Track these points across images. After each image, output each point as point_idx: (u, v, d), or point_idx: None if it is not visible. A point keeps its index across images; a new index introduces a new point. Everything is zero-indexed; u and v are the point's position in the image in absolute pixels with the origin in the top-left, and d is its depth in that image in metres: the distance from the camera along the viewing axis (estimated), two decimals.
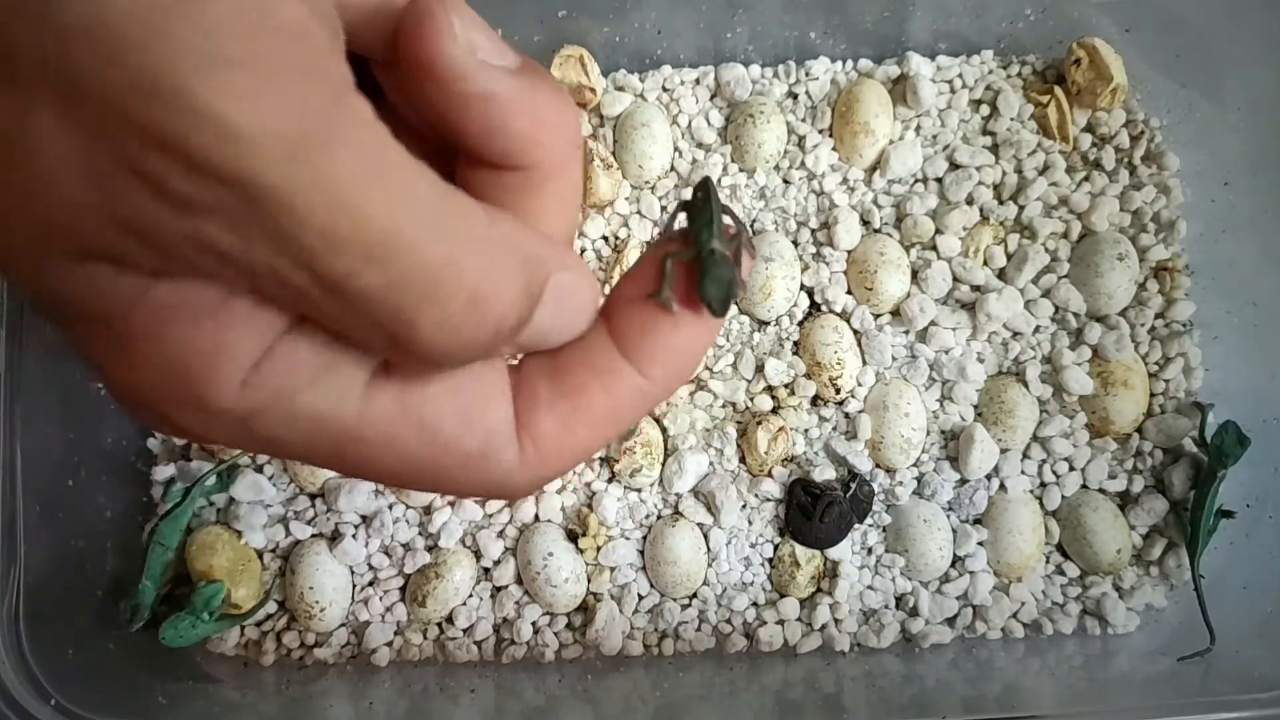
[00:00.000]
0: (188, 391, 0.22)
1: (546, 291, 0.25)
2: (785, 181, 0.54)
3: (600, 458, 0.52)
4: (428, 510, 0.52)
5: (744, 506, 0.52)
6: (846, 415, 0.52)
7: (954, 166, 0.54)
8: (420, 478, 0.25)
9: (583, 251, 0.54)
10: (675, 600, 0.52)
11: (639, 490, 0.52)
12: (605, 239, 0.54)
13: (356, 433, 0.24)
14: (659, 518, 0.52)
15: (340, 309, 0.21)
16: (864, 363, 0.52)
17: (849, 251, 0.53)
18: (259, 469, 0.52)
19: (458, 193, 0.22)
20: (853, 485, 0.51)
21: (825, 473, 0.51)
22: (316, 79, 0.19)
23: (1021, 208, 0.53)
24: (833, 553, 0.51)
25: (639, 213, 0.53)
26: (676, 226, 0.30)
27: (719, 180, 0.54)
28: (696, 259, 0.29)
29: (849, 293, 0.53)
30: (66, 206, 0.19)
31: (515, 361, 0.27)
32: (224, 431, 0.23)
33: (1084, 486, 0.53)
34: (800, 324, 0.53)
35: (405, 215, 0.20)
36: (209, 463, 0.52)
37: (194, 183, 0.18)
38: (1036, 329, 0.52)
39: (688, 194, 0.37)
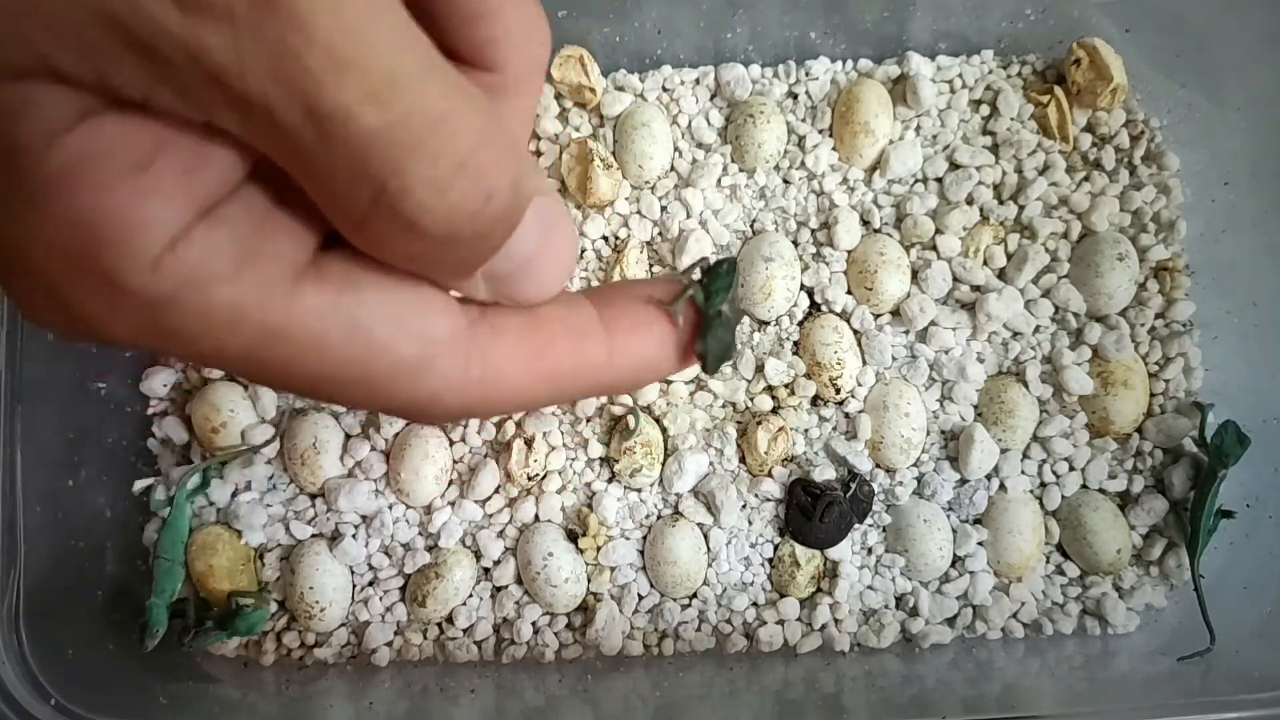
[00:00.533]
0: (95, 263, 0.20)
1: (531, 208, 0.24)
2: (785, 181, 0.54)
3: (600, 458, 0.52)
4: (428, 510, 0.52)
5: (744, 506, 0.52)
6: (846, 415, 0.52)
7: (954, 166, 0.54)
8: (341, 387, 0.24)
9: (582, 252, 0.54)
10: (675, 600, 0.52)
11: (639, 490, 0.52)
12: (605, 239, 0.54)
13: (279, 330, 0.22)
14: (659, 518, 0.52)
15: (327, 154, 0.19)
16: (864, 363, 0.52)
17: (849, 251, 0.53)
18: (249, 463, 0.52)
19: (459, 71, 0.22)
20: (853, 485, 0.51)
21: (825, 473, 0.51)
22: None
23: (1021, 208, 0.53)
24: (833, 553, 0.51)
25: (639, 213, 0.53)
26: (695, 275, 0.31)
27: (718, 180, 0.54)
28: (703, 314, 0.30)
29: (849, 293, 0.53)
30: None
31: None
32: (128, 323, 0.21)
33: (1084, 486, 0.53)
34: (800, 324, 0.53)
35: (412, 59, 0.20)
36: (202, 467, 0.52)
37: None
38: (1036, 329, 0.52)
39: (712, 257, 0.38)
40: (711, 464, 0.52)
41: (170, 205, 0.20)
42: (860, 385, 0.52)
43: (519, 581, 0.52)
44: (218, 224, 0.21)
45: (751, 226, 0.54)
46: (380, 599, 0.52)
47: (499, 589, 0.52)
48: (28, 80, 0.19)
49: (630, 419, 0.51)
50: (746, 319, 0.53)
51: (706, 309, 0.30)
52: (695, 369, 0.52)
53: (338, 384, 0.24)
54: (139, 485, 0.52)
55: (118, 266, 0.20)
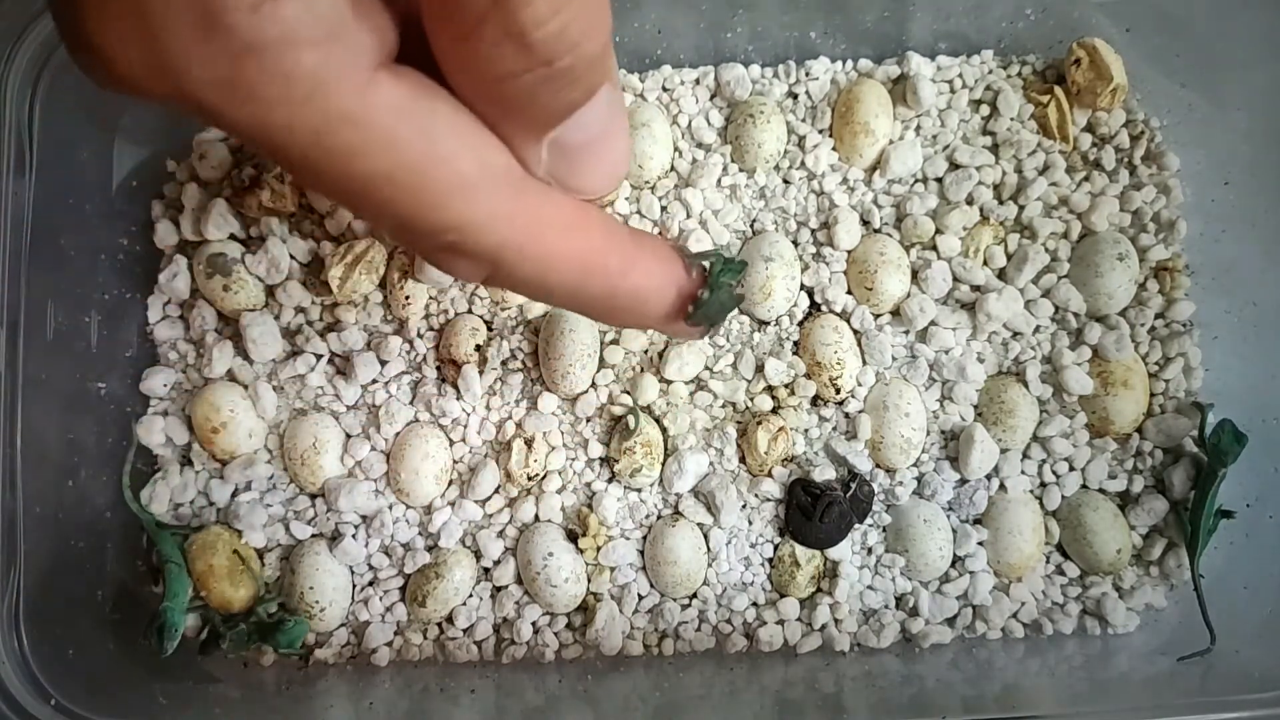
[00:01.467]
0: None
1: (607, 89, 0.25)
2: (785, 181, 0.54)
3: (600, 458, 0.52)
4: (428, 510, 0.52)
5: (744, 506, 0.52)
6: (846, 415, 0.52)
7: (954, 166, 0.54)
8: (397, 189, 0.24)
9: None
10: (675, 600, 0.52)
11: (639, 490, 0.52)
12: None
13: (352, 115, 0.22)
14: (659, 518, 0.52)
15: None
16: (864, 363, 0.52)
17: (849, 251, 0.53)
18: (185, 464, 0.52)
19: None
20: (853, 485, 0.51)
21: (825, 473, 0.51)
22: None
23: (1021, 208, 0.53)
24: (833, 553, 0.51)
25: (639, 213, 0.53)
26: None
27: (718, 181, 0.54)
28: (710, 278, 0.34)
29: (849, 293, 0.53)
30: None
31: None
32: (209, 67, 0.21)
33: (1084, 486, 0.53)
34: (800, 324, 0.53)
35: None
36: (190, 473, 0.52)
37: None
38: (1036, 329, 0.52)
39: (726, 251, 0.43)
40: (711, 464, 0.52)
41: None
42: (860, 385, 0.52)
43: (519, 581, 0.52)
44: None
45: (751, 226, 0.54)
46: (380, 599, 0.52)
47: (499, 589, 0.52)
48: None
49: (630, 419, 0.51)
50: (747, 319, 0.53)
51: (714, 277, 0.34)
52: (695, 370, 0.52)
53: (395, 185, 0.24)
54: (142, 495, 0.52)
55: (222, 1, 0.20)
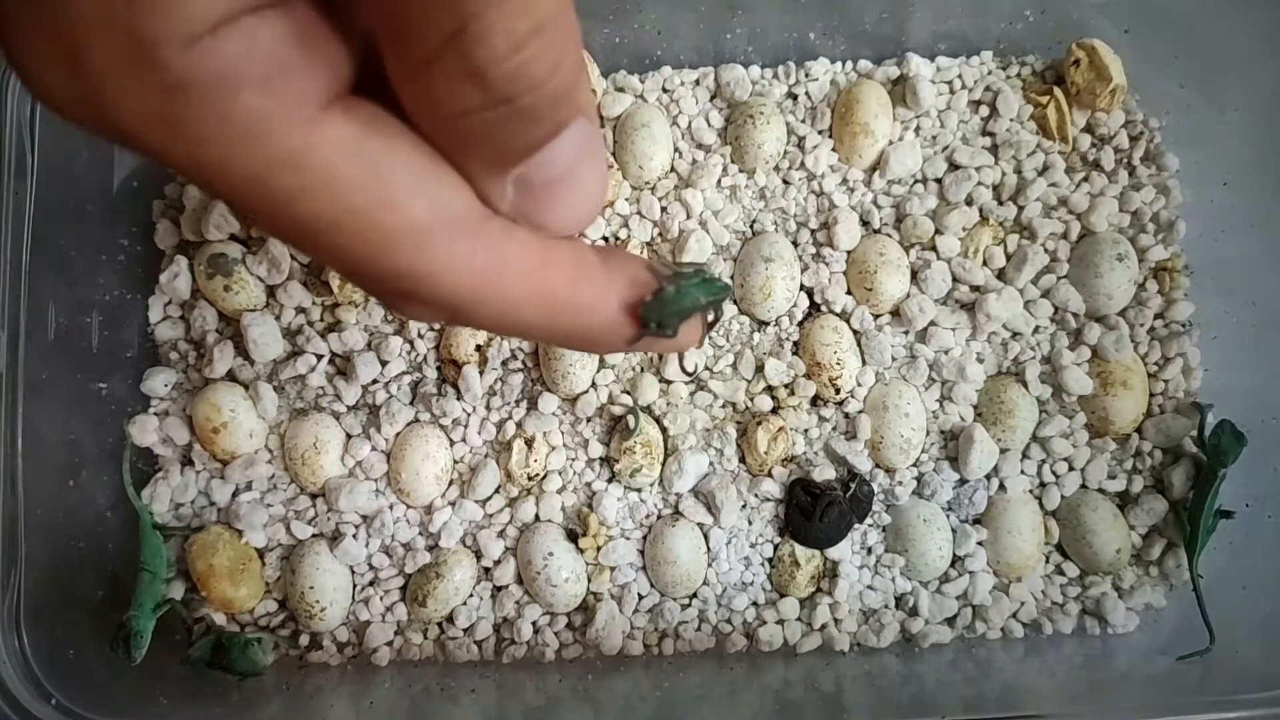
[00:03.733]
0: (133, 21, 0.19)
1: (577, 124, 0.24)
2: (785, 182, 0.54)
3: (600, 458, 0.52)
4: (428, 510, 0.52)
5: (744, 506, 0.52)
6: (846, 415, 0.52)
7: (953, 167, 0.54)
8: (344, 236, 0.22)
9: None
10: (675, 600, 0.52)
11: (639, 490, 0.52)
12: (605, 239, 0.54)
13: (294, 156, 0.21)
14: (659, 518, 0.52)
15: None
16: (864, 363, 0.52)
17: (849, 252, 0.53)
18: (185, 464, 0.52)
19: None
20: (852, 485, 0.51)
21: (825, 473, 0.51)
22: None
23: (1021, 208, 0.53)
24: (832, 553, 0.51)
25: (639, 213, 0.53)
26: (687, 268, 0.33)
27: (718, 181, 0.54)
28: (669, 282, 0.31)
29: (849, 293, 0.53)
30: None
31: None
32: (141, 103, 0.20)
33: (1084, 486, 0.53)
34: (800, 324, 0.53)
35: None
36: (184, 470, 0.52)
37: None
38: (1036, 329, 0.52)
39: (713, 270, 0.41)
40: (711, 464, 0.52)
41: None
42: (860, 385, 0.52)
43: (519, 581, 0.52)
44: (264, 23, 0.20)
45: (751, 227, 0.54)
46: (381, 599, 0.52)
47: (499, 589, 0.52)
48: None
49: (630, 419, 0.51)
50: (747, 319, 0.53)
51: (684, 280, 0.32)
52: (696, 369, 0.52)
53: (341, 231, 0.22)
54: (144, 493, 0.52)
55: (155, 32, 0.19)
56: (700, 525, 0.52)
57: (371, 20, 0.21)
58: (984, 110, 0.55)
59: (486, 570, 0.52)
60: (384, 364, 0.52)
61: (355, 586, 0.52)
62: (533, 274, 0.26)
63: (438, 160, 0.24)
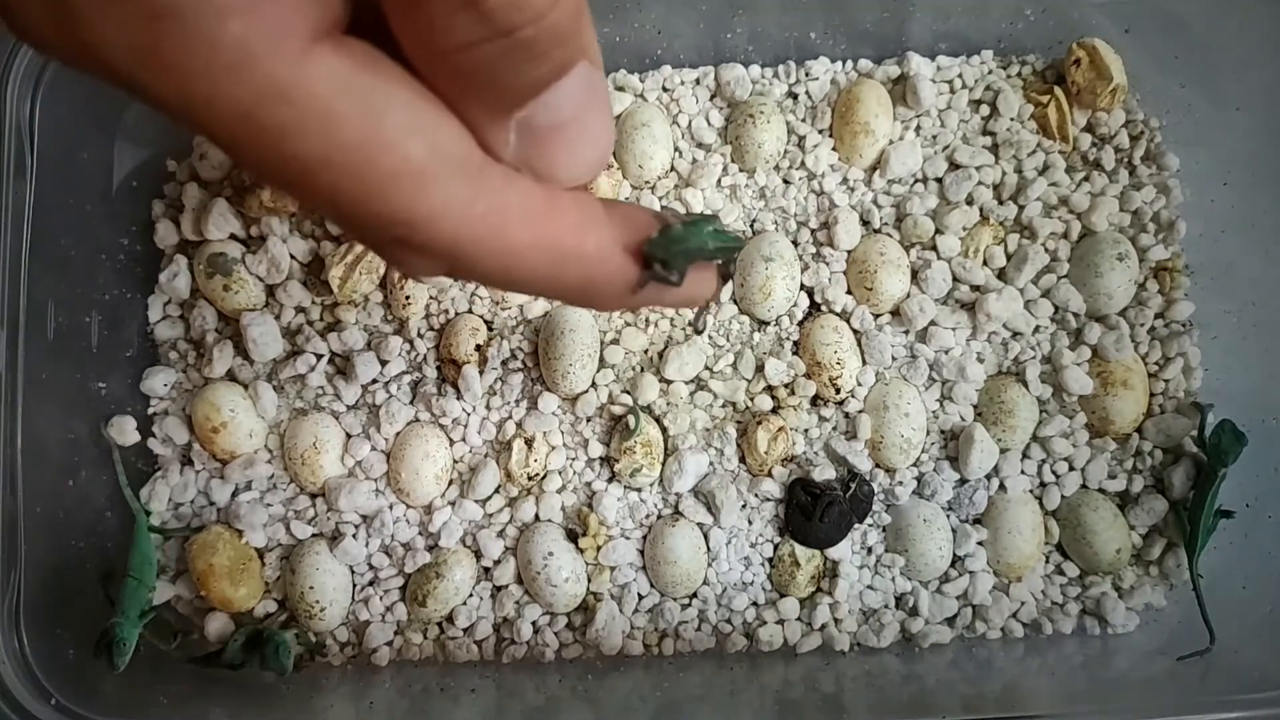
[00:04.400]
0: None
1: (581, 67, 0.23)
2: (785, 181, 0.54)
3: (600, 458, 0.52)
4: (428, 510, 0.52)
5: (744, 506, 0.52)
6: (846, 415, 0.52)
7: (954, 166, 0.54)
8: (337, 175, 0.21)
9: None
10: (675, 600, 0.52)
11: (639, 490, 0.52)
12: None
13: (285, 89, 0.20)
14: (659, 517, 0.52)
15: None
16: (864, 363, 0.52)
17: (849, 251, 0.53)
18: (185, 464, 0.52)
19: None
20: (853, 485, 0.51)
21: (825, 473, 0.51)
22: None
23: (1021, 208, 0.53)
24: (833, 553, 0.51)
25: None
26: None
27: (718, 181, 0.54)
28: (677, 220, 0.30)
29: (849, 293, 0.53)
30: None
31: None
32: (123, 32, 0.19)
33: (1084, 486, 0.53)
34: (800, 324, 0.53)
35: None
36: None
37: None
38: (1036, 329, 0.52)
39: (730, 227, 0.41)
40: (711, 464, 0.52)
41: None
42: (860, 385, 0.52)
43: (519, 581, 0.52)
44: None
45: (751, 226, 0.54)
46: (380, 599, 0.52)
47: (499, 589, 0.52)
48: None
49: (630, 419, 0.51)
50: (747, 319, 0.53)
51: (693, 223, 0.30)
52: (695, 370, 0.52)
53: (333, 170, 0.21)
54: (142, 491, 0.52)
55: None
56: (700, 525, 0.52)
57: None
58: (984, 110, 0.55)
59: (486, 570, 0.52)
60: (384, 364, 0.52)
61: (355, 586, 0.52)
62: (536, 222, 0.25)
63: (436, 103, 0.23)
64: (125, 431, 0.52)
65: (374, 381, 0.52)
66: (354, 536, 0.51)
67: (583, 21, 0.22)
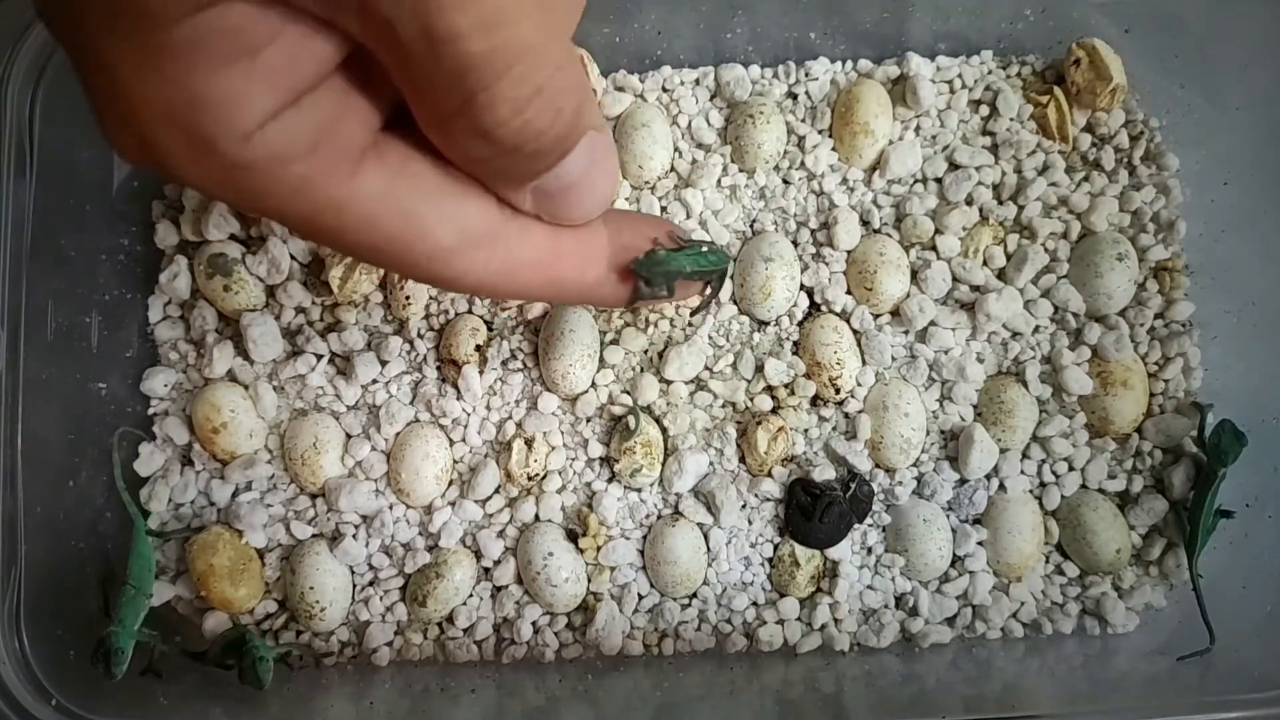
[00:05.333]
0: (194, 126, 0.23)
1: (585, 139, 0.28)
2: (785, 182, 0.54)
3: (600, 458, 0.52)
4: (428, 510, 0.52)
5: (744, 506, 0.52)
6: (846, 415, 0.52)
7: (953, 167, 0.54)
8: (383, 256, 0.28)
9: None
10: (675, 600, 0.52)
11: (639, 490, 0.52)
12: None
13: (338, 205, 0.26)
14: (659, 518, 0.52)
15: (431, 65, 0.23)
16: (864, 363, 0.52)
17: (849, 251, 0.53)
18: (186, 463, 0.52)
19: None
20: (852, 485, 0.51)
21: (825, 473, 0.51)
22: None
23: (1021, 208, 0.53)
24: (832, 553, 0.51)
25: (639, 213, 0.53)
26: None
27: (718, 181, 0.54)
28: (657, 250, 0.37)
29: (849, 293, 0.53)
30: None
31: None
32: (206, 175, 0.24)
33: (1084, 486, 0.53)
34: (800, 324, 0.53)
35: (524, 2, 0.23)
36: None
37: None
38: (1036, 329, 0.52)
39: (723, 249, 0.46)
40: (711, 464, 0.52)
41: (268, 92, 0.24)
42: (860, 385, 0.52)
43: (519, 581, 0.52)
44: (304, 110, 0.24)
45: (751, 227, 0.54)
46: (380, 599, 0.52)
47: (499, 589, 0.52)
48: None
49: (630, 419, 0.51)
50: (747, 319, 0.53)
51: (682, 251, 0.37)
52: (695, 370, 0.52)
53: (380, 253, 0.28)
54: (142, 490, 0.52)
55: (213, 134, 0.23)
56: (700, 525, 0.52)
57: (399, 86, 0.25)
58: (984, 110, 0.55)
59: (486, 570, 0.52)
60: (384, 364, 0.52)
61: (355, 586, 0.52)
62: (544, 267, 0.32)
63: (461, 183, 0.28)
64: (175, 430, 0.52)
65: (374, 382, 0.52)
66: (354, 537, 0.51)
67: (583, 111, 0.27)
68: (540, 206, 0.30)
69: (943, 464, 0.52)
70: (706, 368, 0.52)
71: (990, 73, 0.55)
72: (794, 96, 0.55)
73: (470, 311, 0.53)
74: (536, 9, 0.24)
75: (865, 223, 0.54)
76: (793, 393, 0.52)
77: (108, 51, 0.22)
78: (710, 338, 0.53)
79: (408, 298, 0.52)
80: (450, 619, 0.52)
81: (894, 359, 0.52)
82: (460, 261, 0.29)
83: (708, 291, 0.43)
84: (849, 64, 0.55)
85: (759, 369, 0.52)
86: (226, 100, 0.23)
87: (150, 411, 0.53)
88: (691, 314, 0.52)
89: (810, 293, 0.53)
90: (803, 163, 0.54)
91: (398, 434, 0.52)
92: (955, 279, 0.53)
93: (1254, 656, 0.48)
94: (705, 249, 0.41)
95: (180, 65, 0.22)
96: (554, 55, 0.25)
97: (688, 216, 0.53)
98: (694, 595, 0.52)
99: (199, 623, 0.52)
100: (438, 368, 0.53)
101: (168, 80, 0.22)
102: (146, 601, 0.49)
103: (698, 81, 0.55)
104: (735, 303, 0.53)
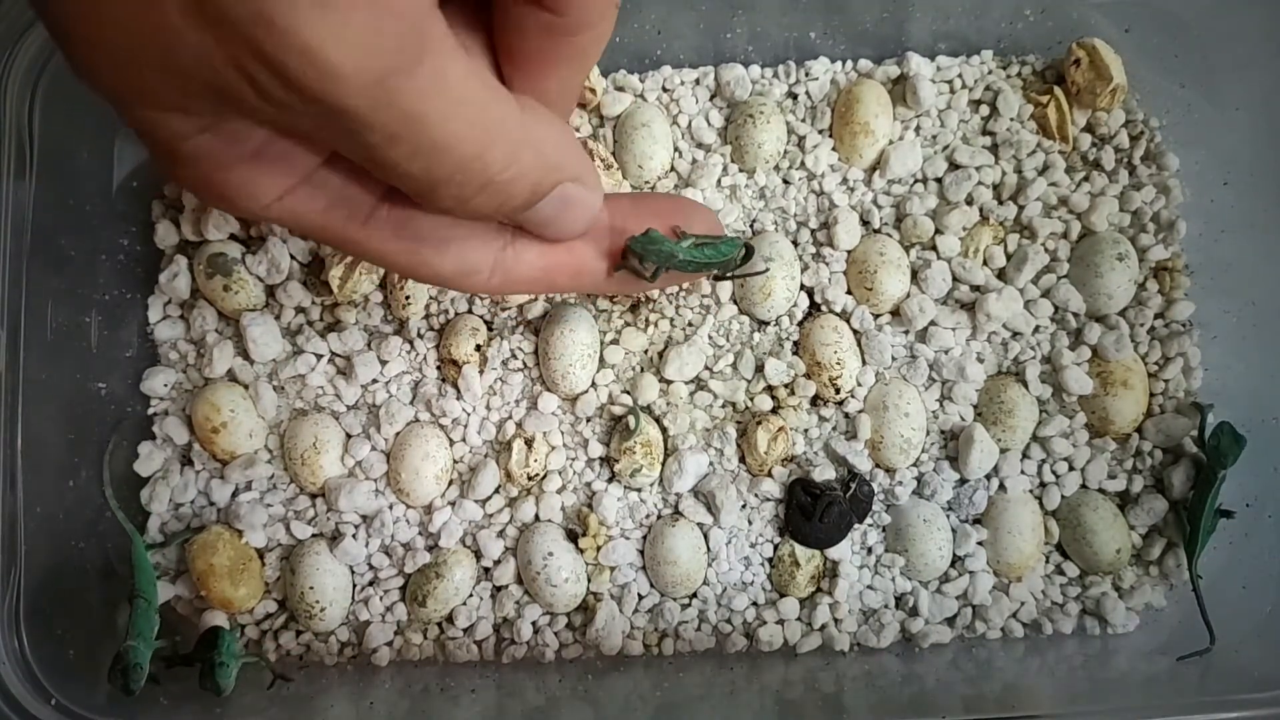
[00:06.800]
0: (223, 202, 0.29)
1: (554, 193, 0.32)
2: (785, 181, 0.54)
3: (600, 458, 0.52)
4: (428, 510, 0.52)
5: (744, 506, 0.52)
6: (846, 415, 0.52)
7: (954, 166, 0.54)
8: (397, 273, 0.39)
9: None
10: (675, 600, 0.52)
11: (639, 490, 0.52)
12: None
13: (355, 244, 0.32)
14: (659, 518, 0.52)
15: (383, 174, 0.28)
16: (864, 363, 0.52)
17: (849, 251, 0.53)
18: (187, 461, 0.52)
19: (501, 94, 0.28)
20: (852, 485, 0.51)
21: (825, 473, 0.51)
22: (401, 15, 0.23)
23: (1021, 208, 0.53)
24: (832, 553, 0.51)
25: None
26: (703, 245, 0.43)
27: (718, 181, 0.54)
28: (658, 234, 0.40)
29: (849, 293, 0.53)
30: (178, 74, 0.23)
31: None
32: (242, 215, 0.33)
33: (1084, 486, 0.53)
34: (800, 324, 0.53)
35: (454, 123, 0.26)
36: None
37: (288, 94, 0.23)
38: (1036, 329, 0.52)
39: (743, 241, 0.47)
40: (711, 464, 0.52)
41: (277, 178, 0.28)
42: (860, 385, 0.52)
43: (519, 581, 0.52)
44: (315, 183, 0.29)
45: (751, 226, 0.54)
46: (380, 599, 0.52)
47: (499, 589, 0.52)
48: (167, 111, 0.26)
49: (630, 419, 0.51)
50: (747, 319, 0.53)
51: (654, 230, 0.40)
52: (695, 370, 0.52)
53: (393, 270, 0.36)
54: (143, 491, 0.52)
55: (237, 207, 0.29)
56: (700, 525, 0.52)
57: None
58: (984, 110, 0.55)
59: (486, 570, 0.52)
60: (384, 364, 0.52)
61: (355, 586, 0.52)
62: (537, 282, 0.38)
63: (461, 226, 0.33)
64: (175, 430, 0.52)
65: (374, 381, 0.52)
66: (354, 536, 0.51)
67: (545, 181, 0.31)
68: (530, 228, 0.34)
69: (943, 464, 0.52)
70: (706, 368, 0.52)
71: (990, 73, 0.55)
72: (794, 96, 0.55)
73: (470, 311, 0.53)
74: (478, 119, 0.26)
75: (865, 223, 0.54)
76: (793, 393, 0.52)
77: (147, 142, 0.27)
78: (710, 337, 0.53)
79: (408, 298, 0.52)
80: (450, 619, 0.52)
81: (894, 359, 0.52)
82: (463, 283, 0.35)
83: (739, 266, 0.46)
84: (849, 64, 0.55)
85: (759, 369, 0.52)
86: (241, 188, 0.28)
87: (150, 411, 0.53)
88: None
89: (810, 293, 0.53)
90: (803, 163, 0.54)
91: (398, 434, 0.52)
92: (955, 279, 0.53)
93: (1254, 656, 0.48)
94: (708, 248, 0.43)
95: (200, 167, 0.27)
96: (498, 157, 0.28)
97: None
98: (694, 595, 0.52)
99: (198, 623, 0.52)
100: (438, 368, 0.53)
101: (193, 175, 0.27)
102: (157, 617, 0.49)
103: (698, 81, 0.55)
104: (735, 303, 0.53)
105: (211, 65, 0.23)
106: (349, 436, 0.53)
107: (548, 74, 0.31)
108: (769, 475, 0.52)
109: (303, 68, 0.22)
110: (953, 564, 0.52)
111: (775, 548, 0.52)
